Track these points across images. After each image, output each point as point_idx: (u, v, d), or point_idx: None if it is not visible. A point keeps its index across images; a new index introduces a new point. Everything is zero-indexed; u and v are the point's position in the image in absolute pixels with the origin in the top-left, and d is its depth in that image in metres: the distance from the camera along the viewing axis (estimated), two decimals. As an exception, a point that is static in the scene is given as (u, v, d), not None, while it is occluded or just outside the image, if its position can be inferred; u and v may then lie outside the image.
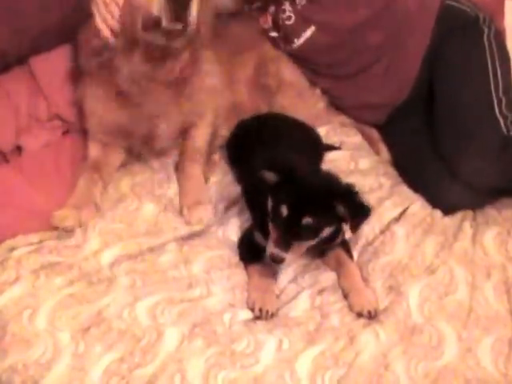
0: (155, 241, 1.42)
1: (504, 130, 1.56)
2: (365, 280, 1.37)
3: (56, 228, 1.43)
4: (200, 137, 1.68)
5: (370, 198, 1.54)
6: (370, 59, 1.78)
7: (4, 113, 1.61)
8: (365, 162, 1.72)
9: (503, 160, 1.52)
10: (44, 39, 1.56)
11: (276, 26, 1.83)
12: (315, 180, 1.29)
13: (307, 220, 1.23)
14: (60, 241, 1.39)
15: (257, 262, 1.36)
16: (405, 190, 1.62)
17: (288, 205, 1.23)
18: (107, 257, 1.36)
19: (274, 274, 1.37)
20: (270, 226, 1.28)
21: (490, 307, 1.30)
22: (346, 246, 1.41)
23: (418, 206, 1.56)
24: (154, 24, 1.32)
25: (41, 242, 1.39)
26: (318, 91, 1.88)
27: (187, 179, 1.61)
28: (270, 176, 1.27)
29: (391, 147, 1.79)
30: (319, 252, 1.39)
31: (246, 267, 1.39)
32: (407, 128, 1.76)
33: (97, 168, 1.58)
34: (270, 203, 1.29)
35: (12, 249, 1.35)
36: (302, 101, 1.83)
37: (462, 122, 1.59)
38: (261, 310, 1.27)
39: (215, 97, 1.68)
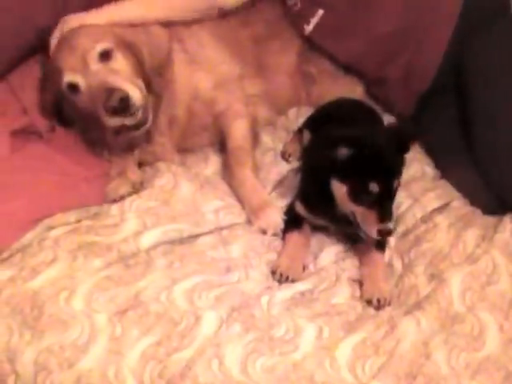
0: (196, 229, 1.37)
1: None
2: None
3: (114, 201, 1.41)
4: (238, 134, 1.57)
5: (413, 188, 1.53)
6: (386, 52, 1.63)
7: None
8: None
9: None
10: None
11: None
12: (381, 145, 1.27)
13: (396, 185, 1.25)
14: (97, 220, 1.35)
15: (295, 230, 1.37)
16: (448, 184, 1.56)
17: (376, 181, 1.21)
18: (146, 241, 1.32)
19: (307, 246, 1.38)
20: (356, 207, 1.25)
21: (532, 299, 1.28)
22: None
23: (461, 202, 1.51)
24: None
25: (78, 221, 1.34)
26: (354, 77, 1.76)
27: (241, 186, 1.48)
28: (343, 151, 1.23)
29: (424, 136, 1.68)
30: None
31: (283, 235, 1.39)
32: (440, 118, 1.66)
33: None
34: (338, 185, 1.26)
35: (50, 228, 1.31)
36: (338, 88, 1.73)
37: (496, 133, 1.49)
38: (281, 275, 1.28)
39: (227, 90, 1.61)
